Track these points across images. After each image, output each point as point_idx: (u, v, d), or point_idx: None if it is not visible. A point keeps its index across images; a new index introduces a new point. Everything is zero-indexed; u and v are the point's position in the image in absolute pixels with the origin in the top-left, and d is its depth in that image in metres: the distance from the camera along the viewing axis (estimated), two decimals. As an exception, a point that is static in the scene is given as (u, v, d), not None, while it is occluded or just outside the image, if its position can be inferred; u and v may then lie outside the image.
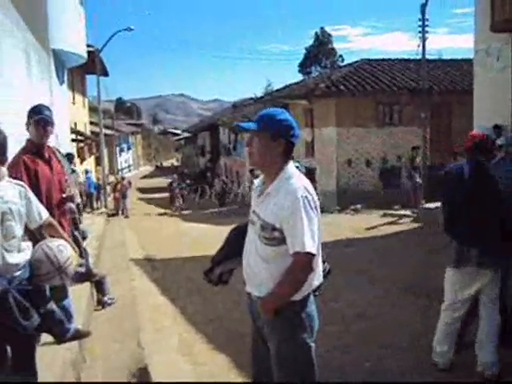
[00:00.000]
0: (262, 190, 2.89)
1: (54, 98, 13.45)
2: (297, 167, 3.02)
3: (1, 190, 3.21)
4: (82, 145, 27.93)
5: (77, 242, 4.76)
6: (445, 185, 4.38)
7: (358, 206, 17.53)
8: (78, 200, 5.30)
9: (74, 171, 14.08)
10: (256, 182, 3.07)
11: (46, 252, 3.31)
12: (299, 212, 2.64)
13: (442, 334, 4.36)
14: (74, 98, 26.75)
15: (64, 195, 4.69)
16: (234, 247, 3.05)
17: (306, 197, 2.69)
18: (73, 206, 5.15)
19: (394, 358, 4.68)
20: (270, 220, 2.71)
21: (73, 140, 23.63)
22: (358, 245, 10.53)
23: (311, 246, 2.63)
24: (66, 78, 18.82)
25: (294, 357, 2.75)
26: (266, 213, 2.75)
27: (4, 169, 3.33)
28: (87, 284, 6.51)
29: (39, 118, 4.45)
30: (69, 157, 16.33)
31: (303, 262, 2.65)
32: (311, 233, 2.65)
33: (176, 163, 66.46)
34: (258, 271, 2.80)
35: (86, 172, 23.96)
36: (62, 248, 3.39)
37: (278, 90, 30.44)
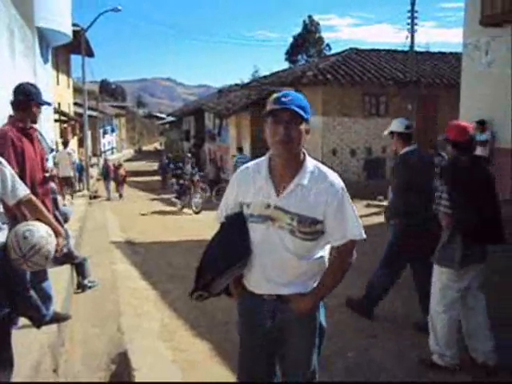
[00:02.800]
0: (275, 181, 2.61)
1: (38, 77, 13.22)
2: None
3: None
4: (65, 125, 27.63)
5: (58, 222, 4.68)
6: (461, 184, 4.11)
7: (342, 196, 17.52)
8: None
9: (67, 153, 16.83)
10: (249, 171, 2.72)
11: (12, 239, 3.17)
12: (347, 202, 2.59)
13: (448, 334, 4.19)
14: (58, 78, 26.40)
15: (47, 174, 4.61)
16: (232, 252, 2.64)
17: (344, 188, 2.62)
18: (54, 185, 5.09)
19: (378, 348, 4.68)
20: (309, 213, 2.53)
21: (56, 120, 23.36)
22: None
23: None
24: (50, 57, 18.54)
25: (319, 345, 2.78)
26: (301, 206, 2.54)
27: None
28: (67, 266, 6.42)
29: (43, 103, 4.50)
30: (65, 144, 17.66)
31: (353, 249, 2.66)
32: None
33: (159, 147, 66.09)
34: (288, 269, 2.61)
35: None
36: (27, 234, 3.19)
37: (264, 77, 30.29)
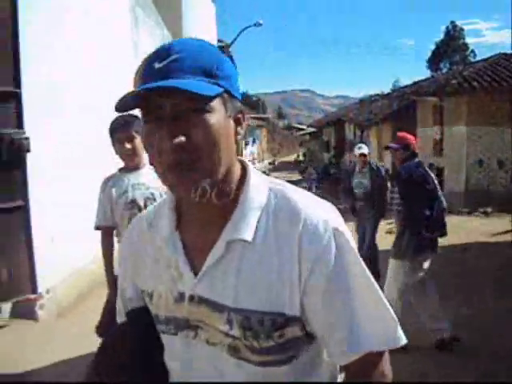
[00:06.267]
0: (188, 241, 1.17)
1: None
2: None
3: (143, 176, 3.40)
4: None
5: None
6: (418, 188, 4.68)
7: (488, 210, 16.69)
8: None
9: None
10: (143, 226, 1.28)
11: None
12: (353, 263, 1.10)
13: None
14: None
15: None
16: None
17: (345, 231, 1.11)
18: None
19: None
20: (265, 306, 1.07)
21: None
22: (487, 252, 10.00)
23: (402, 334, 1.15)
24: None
25: None
26: (245, 291, 1.08)
27: (145, 155, 3.48)
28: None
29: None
30: None
31: (380, 365, 1.14)
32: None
33: (300, 158, 66.78)
34: None
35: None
36: None
37: (405, 87, 29.70)
